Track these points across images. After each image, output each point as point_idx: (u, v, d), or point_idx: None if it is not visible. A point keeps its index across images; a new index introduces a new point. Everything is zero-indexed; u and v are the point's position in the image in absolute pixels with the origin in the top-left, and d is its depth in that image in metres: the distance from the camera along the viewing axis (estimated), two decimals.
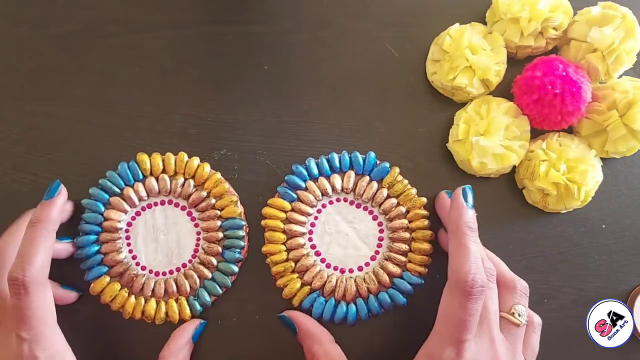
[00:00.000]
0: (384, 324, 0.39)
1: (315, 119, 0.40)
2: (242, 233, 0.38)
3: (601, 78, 0.39)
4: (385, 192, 0.38)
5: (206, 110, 0.40)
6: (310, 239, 0.38)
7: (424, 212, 0.38)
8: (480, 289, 0.30)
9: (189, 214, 0.38)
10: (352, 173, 0.38)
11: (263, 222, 0.38)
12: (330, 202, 0.39)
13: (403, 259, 0.38)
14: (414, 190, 0.38)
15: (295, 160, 0.39)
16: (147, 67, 0.40)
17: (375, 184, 0.38)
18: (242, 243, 0.38)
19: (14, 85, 0.40)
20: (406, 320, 0.39)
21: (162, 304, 0.37)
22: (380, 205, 0.38)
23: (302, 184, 0.38)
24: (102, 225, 0.37)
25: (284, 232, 0.38)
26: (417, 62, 0.41)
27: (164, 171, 0.38)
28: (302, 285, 0.38)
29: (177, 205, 0.38)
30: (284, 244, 0.38)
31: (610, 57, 0.37)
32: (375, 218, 0.38)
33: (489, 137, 0.37)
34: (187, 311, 0.37)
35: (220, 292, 0.37)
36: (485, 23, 0.41)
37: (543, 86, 0.36)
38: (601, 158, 0.39)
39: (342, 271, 0.38)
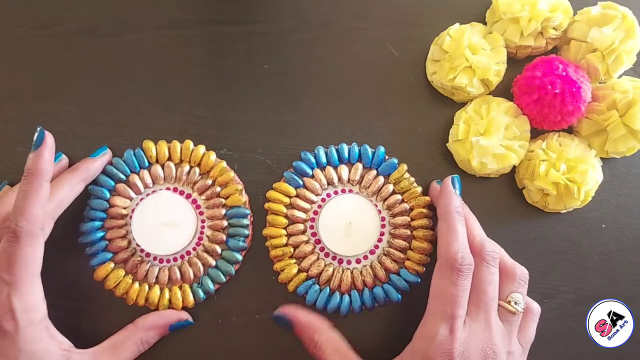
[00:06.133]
0: (380, 318, 0.39)
1: (315, 119, 0.40)
2: (246, 222, 0.38)
3: (601, 78, 0.39)
4: (390, 187, 0.38)
5: (206, 110, 0.40)
6: (311, 227, 0.38)
7: (427, 211, 0.38)
8: (469, 266, 0.32)
9: (194, 201, 0.38)
10: (359, 165, 0.39)
11: (266, 205, 0.38)
12: (335, 193, 0.39)
13: (402, 255, 0.38)
14: (419, 189, 0.38)
15: (295, 160, 0.39)
16: (148, 67, 0.40)
17: (381, 179, 0.38)
18: (246, 232, 0.38)
19: (14, 85, 0.40)
20: (404, 315, 0.39)
21: (166, 291, 0.37)
22: (384, 200, 0.38)
23: (309, 171, 0.38)
24: (108, 211, 0.38)
25: (286, 216, 0.38)
26: (417, 62, 0.41)
27: (169, 159, 0.38)
28: (299, 271, 0.38)
29: (182, 193, 0.38)
30: (285, 228, 0.38)
31: (610, 57, 0.38)
32: (378, 212, 0.38)
33: (489, 137, 0.37)
34: (191, 299, 0.37)
35: (224, 280, 0.38)
36: (485, 23, 0.41)
37: (543, 86, 0.36)
38: (601, 158, 0.39)
39: (340, 262, 0.38)
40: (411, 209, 0.38)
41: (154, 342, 0.36)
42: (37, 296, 0.32)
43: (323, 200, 0.39)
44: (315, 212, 0.38)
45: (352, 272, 0.38)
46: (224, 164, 0.39)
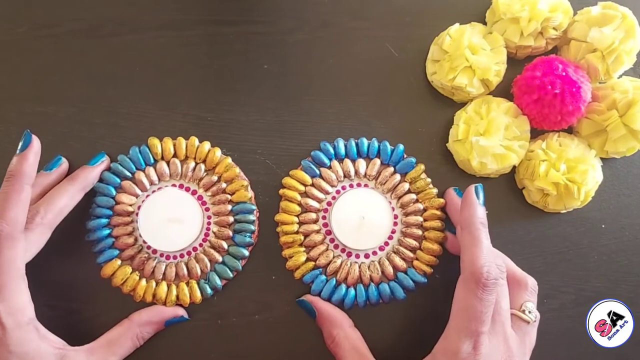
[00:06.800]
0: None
1: (315, 119, 0.40)
2: (252, 217, 0.38)
3: (601, 78, 0.39)
4: (406, 186, 0.38)
5: (206, 110, 0.40)
6: (324, 217, 0.38)
7: (440, 213, 0.38)
8: (494, 281, 0.31)
9: (200, 197, 0.38)
10: (377, 161, 0.39)
11: (281, 191, 0.38)
12: (351, 186, 0.39)
13: (411, 254, 0.38)
14: (435, 190, 0.39)
15: (295, 160, 0.39)
16: (147, 67, 0.40)
17: (398, 176, 0.39)
18: (252, 227, 0.38)
19: (14, 85, 0.40)
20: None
21: (173, 287, 0.37)
22: (399, 198, 0.38)
23: (327, 162, 0.39)
24: (114, 208, 0.38)
25: (299, 204, 0.38)
26: (417, 62, 0.41)
27: (175, 155, 0.39)
28: (307, 260, 0.38)
29: (188, 189, 0.38)
30: (297, 216, 0.38)
31: (610, 57, 0.38)
32: (392, 210, 0.38)
33: (489, 137, 0.37)
34: (198, 294, 0.37)
35: (231, 275, 0.38)
36: (485, 23, 0.41)
37: (543, 86, 0.36)
38: (601, 158, 0.39)
39: (349, 255, 0.38)
40: (425, 210, 0.38)
41: (149, 337, 0.37)
42: (23, 298, 0.32)
43: (338, 192, 0.39)
44: (329, 203, 0.39)
45: (359, 267, 0.38)
46: (229, 160, 0.39)
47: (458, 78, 0.38)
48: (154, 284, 0.37)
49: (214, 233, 0.38)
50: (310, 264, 0.38)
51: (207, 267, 0.38)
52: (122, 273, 0.37)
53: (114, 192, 0.38)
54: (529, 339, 0.34)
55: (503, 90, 0.40)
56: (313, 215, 0.38)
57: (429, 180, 0.39)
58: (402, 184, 0.39)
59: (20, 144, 0.34)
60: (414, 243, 0.38)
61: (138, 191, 0.38)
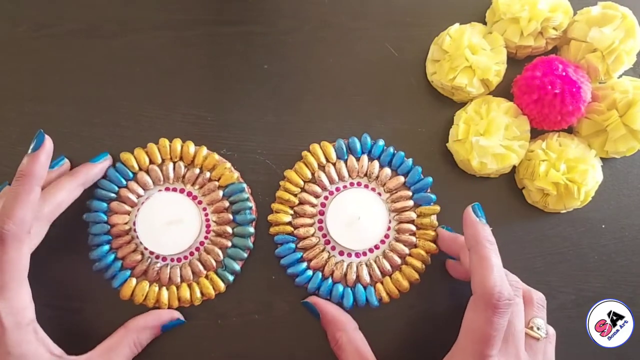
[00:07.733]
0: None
1: (315, 119, 0.40)
2: (246, 195, 0.38)
3: (601, 78, 0.39)
4: (414, 215, 0.38)
5: (206, 110, 0.40)
6: (326, 198, 0.39)
7: (426, 256, 0.38)
8: (507, 302, 0.29)
9: (189, 194, 0.38)
10: (402, 179, 0.39)
11: (304, 153, 0.39)
12: (366, 186, 0.39)
13: (379, 275, 0.38)
14: (433, 233, 0.38)
15: (295, 160, 0.39)
16: (148, 67, 0.40)
17: (411, 202, 0.38)
18: (249, 203, 0.38)
19: (14, 85, 0.40)
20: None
21: (195, 286, 0.37)
22: (400, 222, 0.38)
23: (359, 153, 0.39)
24: (111, 232, 0.38)
25: (312, 174, 0.38)
26: (417, 62, 0.41)
27: (151, 162, 0.39)
28: (289, 223, 0.38)
29: (175, 189, 0.39)
30: (305, 182, 0.38)
31: (610, 57, 0.38)
32: (387, 229, 0.38)
33: (489, 137, 0.37)
34: (221, 284, 0.37)
35: (245, 255, 0.38)
36: (485, 23, 0.41)
37: (543, 86, 0.36)
38: (601, 158, 0.39)
39: (328, 243, 0.38)
40: (414, 246, 0.38)
41: (147, 343, 0.36)
42: (24, 299, 0.31)
43: (352, 184, 0.39)
44: (338, 189, 0.39)
45: (342, 263, 0.38)
46: (204, 149, 0.39)
47: (458, 78, 0.38)
48: (175, 289, 0.37)
49: (215, 222, 0.38)
50: (289, 229, 0.38)
51: (220, 255, 0.38)
52: (140, 290, 0.37)
53: (105, 217, 0.37)
54: (542, 357, 0.32)
55: (503, 90, 0.40)
56: (318, 190, 0.38)
57: (435, 223, 0.38)
58: (411, 212, 0.38)
59: (33, 143, 0.33)
60: (387, 268, 0.38)
61: (128, 208, 0.38)
